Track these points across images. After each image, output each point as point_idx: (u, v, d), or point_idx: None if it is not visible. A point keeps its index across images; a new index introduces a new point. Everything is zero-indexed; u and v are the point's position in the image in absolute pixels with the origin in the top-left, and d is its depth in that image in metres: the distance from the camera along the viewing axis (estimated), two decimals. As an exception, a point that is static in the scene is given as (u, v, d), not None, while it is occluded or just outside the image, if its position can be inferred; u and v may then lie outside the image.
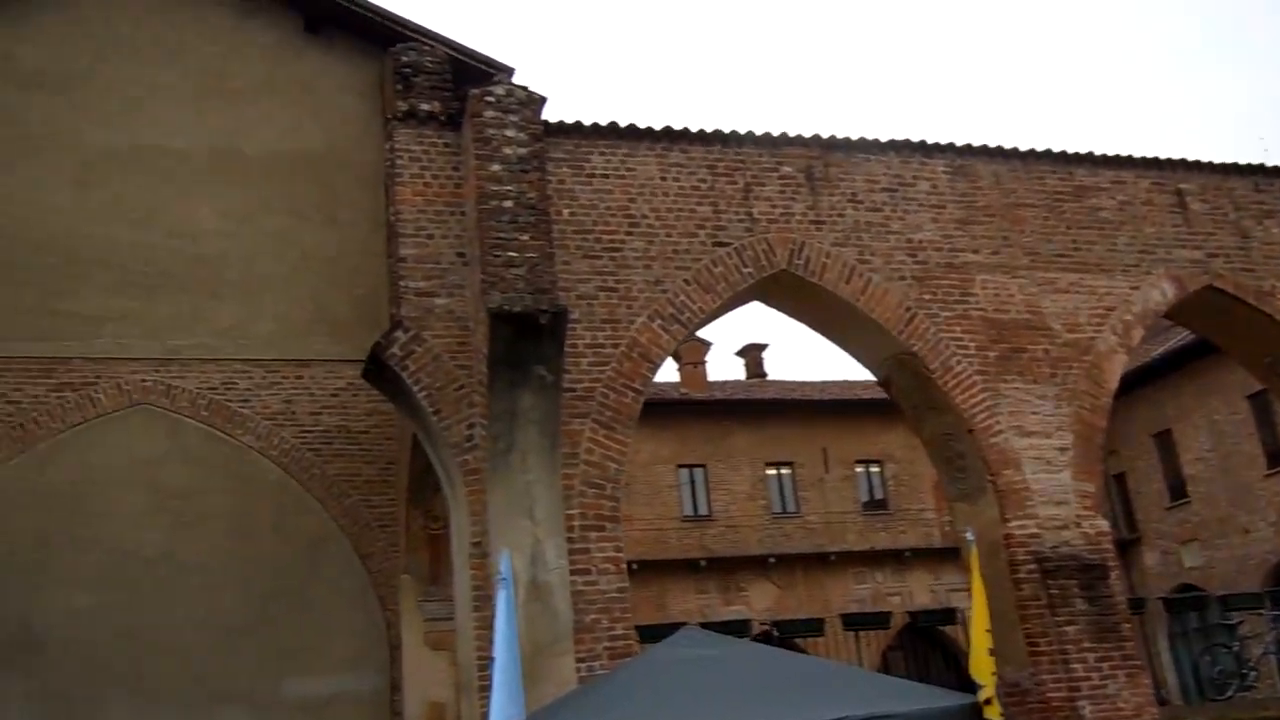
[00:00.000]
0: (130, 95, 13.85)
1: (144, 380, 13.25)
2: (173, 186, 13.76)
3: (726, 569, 26.48)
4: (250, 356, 13.57)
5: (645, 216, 9.69)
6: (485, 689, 8.96)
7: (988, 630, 7.14)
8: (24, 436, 12.76)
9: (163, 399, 13.27)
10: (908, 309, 10.48)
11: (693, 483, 27.54)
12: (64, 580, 12.45)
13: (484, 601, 9.20)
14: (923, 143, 11.20)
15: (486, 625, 9.08)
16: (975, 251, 10.87)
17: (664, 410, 24.66)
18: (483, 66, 13.43)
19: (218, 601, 12.79)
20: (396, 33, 13.68)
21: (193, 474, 13.13)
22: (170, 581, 12.70)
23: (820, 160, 10.61)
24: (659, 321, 9.58)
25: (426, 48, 13.00)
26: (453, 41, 13.64)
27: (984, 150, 11.45)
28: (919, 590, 27.09)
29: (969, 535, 8.29)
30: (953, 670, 24.94)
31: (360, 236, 14.21)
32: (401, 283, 9.43)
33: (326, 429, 13.66)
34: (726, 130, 10.07)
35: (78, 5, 13.98)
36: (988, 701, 6.74)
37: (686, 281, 9.73)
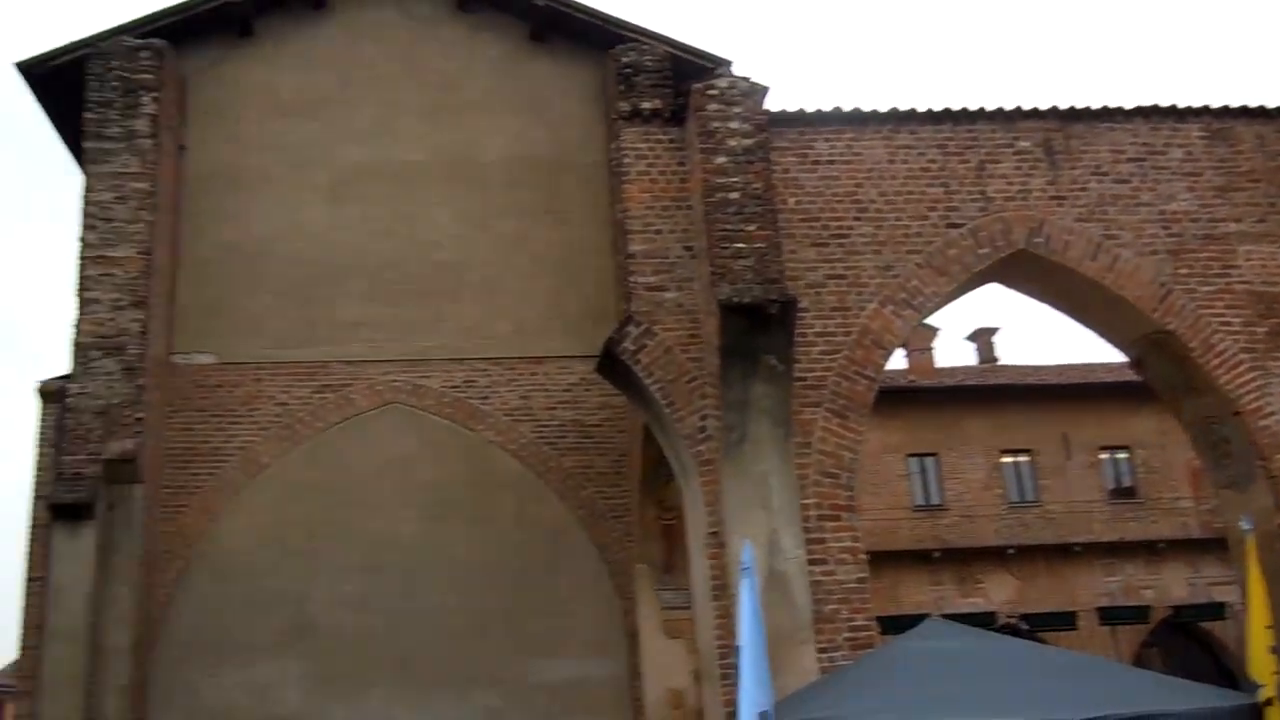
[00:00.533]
0: (374, 114, 14.78)
1: (394, 380, 14.08)
2: (414, 197, 14.58)
3: (961, 560, 25.67)
4: (489, 355, 14.19)
5: (873, 201, 9.52)
6: (726, 677, 9.08)
7: (1268, 627, 6.62)
8: (292, 435, 13.82)
9: (411, 398, 14.07)
10: (1162, 285, 9.85)
11: (923, 472, 26.84)
12: (332, 568, 13.41)
13: (721, 591, 9.31)
14: (1174, 107, 10.48)
15: (725, 614, 9.19)
16: (1237, 220, 10.10)
17: (892, 398, 24.09)
18: (701, 61, 13.52)
19: (467, 589, 13.46)
20: (616, 35, 14.00)
21: (440, 468, 13.86)
22: (424, 569, 13.46)
23: (1060, 133, 10.11)
24: (890, 307, 9.40)
25: (646, 47, 13.28)
26: (670, 39, 13.81)
27: (1244, 111, 10.61)
28: (1175, 583, 25.39)
29: (1244, 524, 7.71)
30: (1217, 668, 23.27)
31: (587, 236, 14.63)
32: (632, 278, 9.63)
33: (561, 423, 14.13)
34: (957, 108, 9.75)
35: (328, 35, 15.03)
36: (1268, 702, 6.28)
37: (918, 265, 9.50)
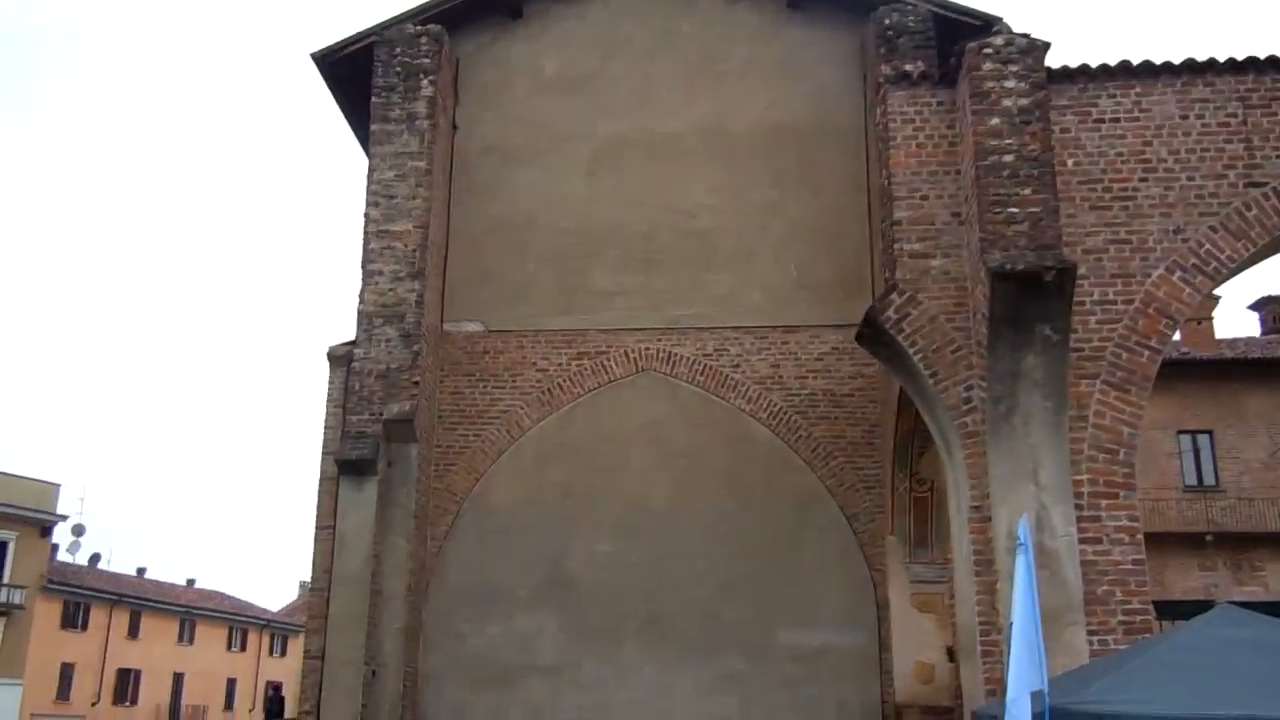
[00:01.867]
0: (632, 87, 15.12)
1: (648, 348, 14.42)
2: (668, 167, 14.84)
3: (1237, 545, 23.89)
4: (741, 324, 14.31)
5: (1163, 160, 8.92)
6: (988, 654, 8.84)
7: None
8: (551, 400, 14.41)
9: (664, 365, 14.37)
10: None
11: (1196, 450, 25.02)
12: (588, 527, 13.94)
13: (985, 567, 9.05)
14: None
15: (988, 590, 8.93)
16: None
17: (1163, 370, 22.51)
18: (966, 19, 13.03)
19: (717, 553, 13.69)
20: (875, -2, 13.69)
21: (692, 434, 14.12)
22: (676, 533, 13.78)
23: (1381, 81, 9.13)
24: (1179, 273, 8.81)
25: (908, 8, 12.94)
26: (932, -1, 13.39)
27: None
28: None
29: None
30: None
31: (841, 204, 14.47)
32: (896, 245, 9.45)
33: (812, 392, 14.08)
34: (1262, 56, 8.97)
35: (589, 14, 15.49)
36: None
37: (1212, 229, 8.84)
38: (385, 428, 13.45)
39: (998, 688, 8.30)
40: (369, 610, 13.02)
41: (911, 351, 9.32)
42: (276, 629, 64.35)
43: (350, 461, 13.31)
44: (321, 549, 13.56)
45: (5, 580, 44.90)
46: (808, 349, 14.19)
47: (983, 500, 9.04)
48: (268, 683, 32.15)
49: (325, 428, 13.99)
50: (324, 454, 13.88)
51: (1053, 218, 8.55)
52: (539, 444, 14.27)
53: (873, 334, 9.57)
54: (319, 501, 13.77)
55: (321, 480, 13.81)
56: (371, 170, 14.27)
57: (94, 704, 49.74)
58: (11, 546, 45.40)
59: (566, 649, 13.59)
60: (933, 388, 9.30)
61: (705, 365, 14.28)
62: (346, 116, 15.91)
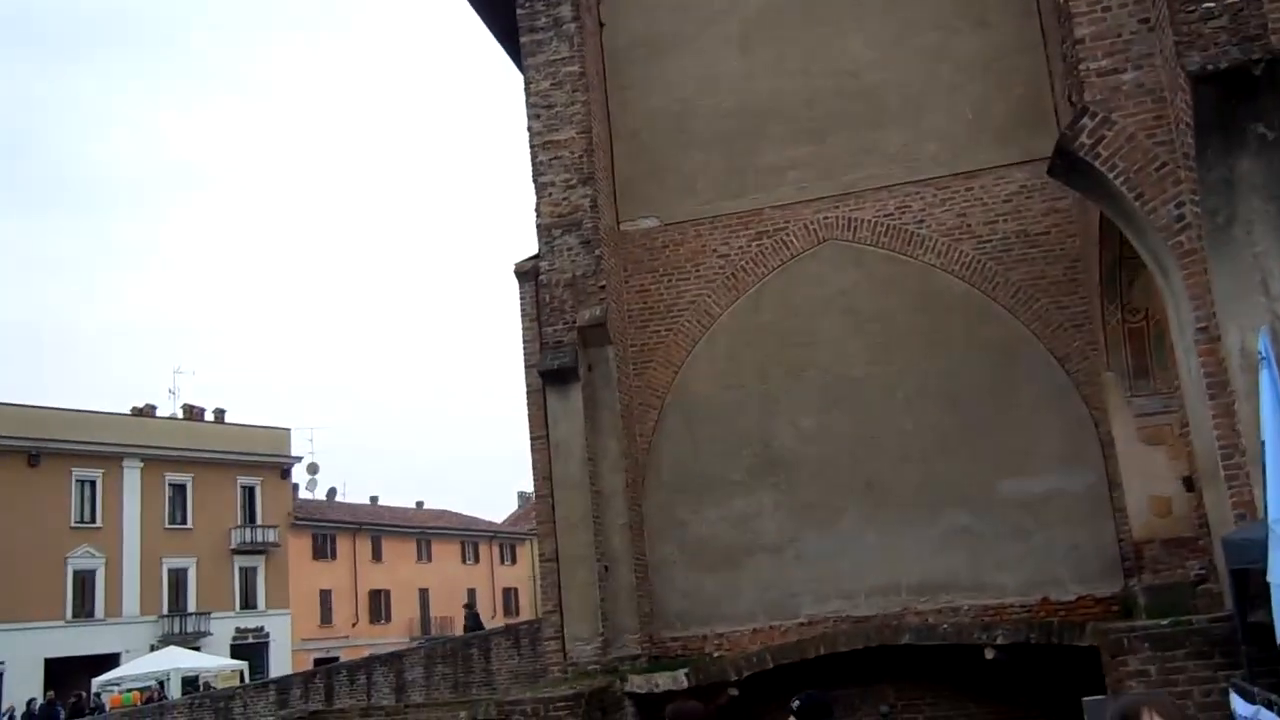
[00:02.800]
0: (777, -54, 14.56)
1: (826, 218, 14.16)
2: (824, 28, 14.33)
3: None
4: (920, 178, 13.83)
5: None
6: (1233, 478, 8.46)
7: None
8: (737, 284, 14.40)
9: (845, 232, 14.09)
10: None
11: None
12: (790, 404, 13.99)
13: (1219, 388, 8.60)
14: None
15: (1225, 412, 8.52)
16: None
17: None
18: None
19: (924, 413, 13.50)
20: None
21: (883, 298, 13.85)
22: (878, 398, 13.66)
23: None
24: None
25: None
26: None
27: None
28: None
29: None
30: None
31: (1010, 35, 13.68)
32: (1081, 66, 8.88)
33: (1004, 236, 13.54)
34: None
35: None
36: None
37: None
38: (580, 334, 13.78)
39: (1248, 511, 7.97)
40: (593, 510, 13.55)
41: (1112, 176, 8.82)
42: (504, 539, 67.91)
43: (553, 371, 13.74)
44: (539, 457, 14.13)
45: (259, 521, 48.93)
46: (994, 192, 13.62)
47: (1209, 320, 8.55)
48: (464, 605, 34.41)
49: (524, 341, 14.45)
50: (526, 367, 14.36)
51: (1255, 6, 7.83)
52: (731, 328, 14.32)
53: (1066, 165, 9.10)
54: (529, 413, 14.29)
55: (528, 392, 14.31)
56: (527, 83, 14.38)
57: (354, 624, 54.02)
58: (259, 490, 49.34)
59: (786, 525, 13.78)
60: (1140, 210, 8.80)
61: (888, 225, 13.92)
62: (497, 36, 16.02)
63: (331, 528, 54.43)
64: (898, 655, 12.84)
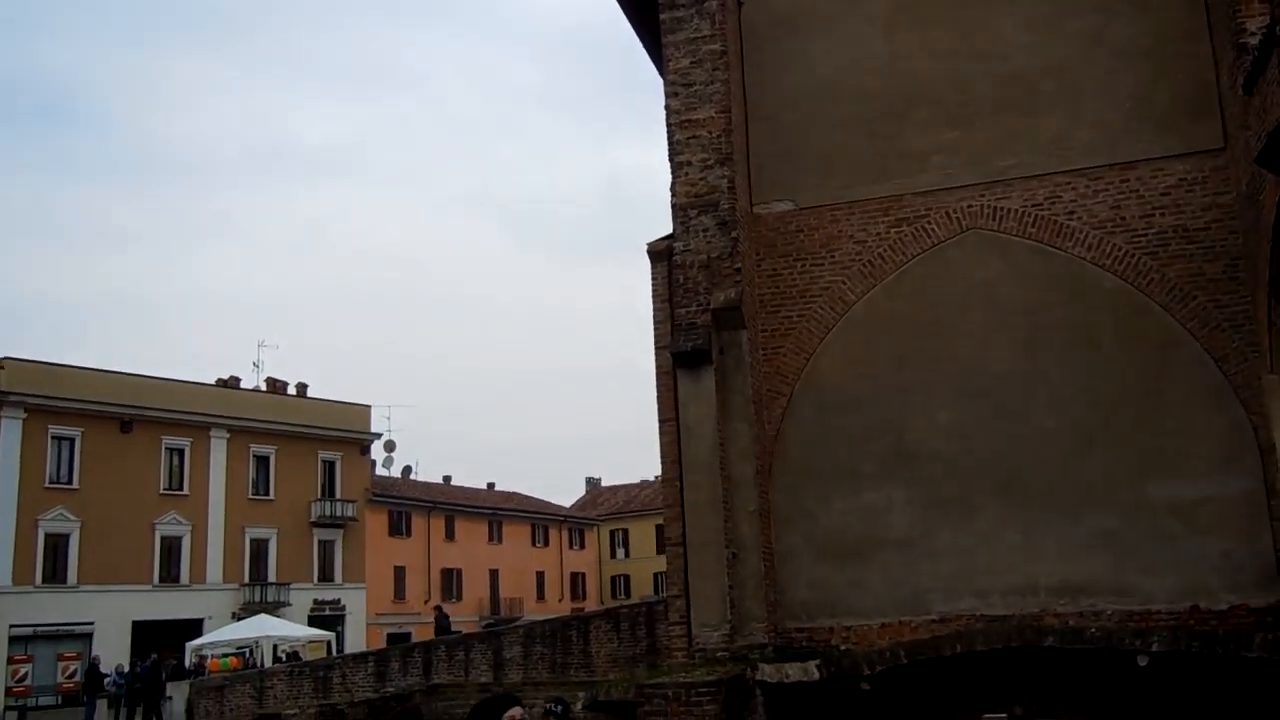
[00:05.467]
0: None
1: (970, 206, 13.76)
2: (975, 9, 13.93)
3: None
4: (1072, 167, 13.38)
5: None
6: None
7: None
8: (873, 271, 14.06)
9: (990, 221, 13.68)
10: None
11: None
12: (925, 397, 13.63)
13: None
14: None
15: None
16: None
17: None
18: None
19: (1069, 410, 13.07)
20: None
21: (1027, 291, 13.43)
22: (1021, 393, 13.25)
23: None
24: None
25: None
26: None
27: None
28: None
29: None
30: None
31: (1173, 20, 13.18)
32: (1295, 48, 8.41)
33: (1161, 231, 13.04)
34: None
35: None
36: None
37: None
38: (714, 317, 13.55)
39: None
40: (722, 495, 13.32)
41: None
42: (573, 524, 68.16)
43: (685, 353, 13.52)
44: (667, 440, 13.94)
45: (338, 496, 49.56)
46: (1151, 185, 13.12)
47: None
48: (434, 607, 34.86)
49: (654, 322, 14.26)
50: (656, 348, 14.18)
51: None
52: (866, 317, 14.00)
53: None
54: (658, 395, 14.12)
55: (658, 374, 14.13)
56: (666, 60, 14.15)
57: (425, 601, 54.56)
58: (339, 465, 49.96)
59: (918, 520, 13.45)
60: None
61: (1036, 216, 13.48)
62: (634, 13, 15.80)
63: (407, 505, 55.02)
64: (1036, 658, 12.47)
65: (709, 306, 13.58)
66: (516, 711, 4.70)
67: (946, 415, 13.56)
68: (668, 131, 14.04)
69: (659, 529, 69.28)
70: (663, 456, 14.03)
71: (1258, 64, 10.66)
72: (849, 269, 14.15)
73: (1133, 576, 12.55)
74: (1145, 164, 13.10)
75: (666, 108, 14.06)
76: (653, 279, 14.33)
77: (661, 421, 14.05)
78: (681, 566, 13.56)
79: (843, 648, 13.36)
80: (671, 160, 14.00)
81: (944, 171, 13.81)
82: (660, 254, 14.20)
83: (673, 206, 13.97)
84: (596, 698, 13.56)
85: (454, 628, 29.63)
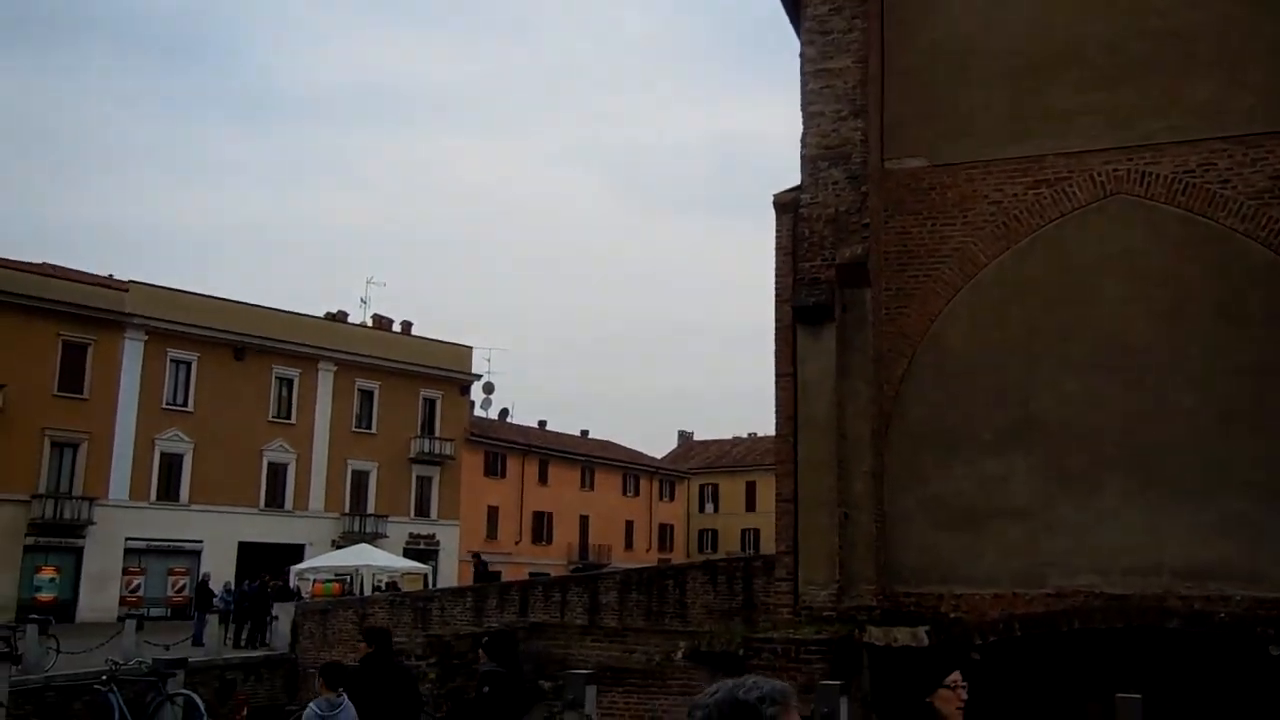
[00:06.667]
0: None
1: (1116, 169, 13.18)
2: (1132, -37, 13.24)
3: None
4: (1229, 133, 12.71)
5: None
6: None
7: None
8: (1008, 233, 13.60)
9: (1137, 187, 13.10)
10: None
11: None
12: (1055, 365, 13.19)
13: None
14: None
15: None
16: None
17: None
18: None
19: (1210, 388, 12.55)
20: None
21: (1174, 261, 12.88)
22: (1159, 367, 12.76)
23: None
24: None
25: None
26: None
27: None
28: None
29: None
30: None
31: (1352, -22, 12.33)
32: None
33: (1322, 204, 12.34)
34: None
35: None
36: None
37: None
38: (839, 272, 13.28)
39: None
40: (837, 454, 13.13)
41: None
42: (664, 475, 68.45)
43: (807, 308, 13.30)
44: (783, 396, 13.76)
45: (437, 434, 50.49)
46: (1315, 154, 12.40)
47: None
48: (472, 554, 35.07)
49: (776, 275, 14.03)
50: (777, 301, 13.95)
51: None
52: (997, 280, 13.57)
53: None
54: (776, 349, 13.92)
55: (777, 328, 13.92)
56: (804, 5, 13.79)
57: (516, 542, 55.50)
58: (439, 404, 50.85)
59: (1039, 491, 13.09)
60: None
61: (1187, 183, 12.86)
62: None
63: (503, 447, 55.82)
64: (1156, 641, 12.08)
65: (834, 262, 13.32)
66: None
67: (1076, 385, 13.12)
68: (801, 80, 13.72)
69: (749, 485, 69.38)
70: (778, 412, 13.86)
71: None
72: (981, 230, 13.71)
73: (1265, 563, 12.06)
74: (1310, 133, 12.38)
75: (802, 55, 13.73)
76: (777, 231, 14.07)
77: (778, 376, 13.87)
78: (791, 523, 13.43)
79: (952, 615, 13.13)
80: (804, 110, 13.69)
81: (1090, 133, 13.25)
82: (786, 206, 13.93)
83: (802, 157, 13.68)
84: (699, 648, 13.58)
85: (547, 571, 30.08)
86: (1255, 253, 12.52)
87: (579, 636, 14.48)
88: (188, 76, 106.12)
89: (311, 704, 8.41)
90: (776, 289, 14.07)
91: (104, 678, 13.80)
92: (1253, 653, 11.39)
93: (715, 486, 71.53)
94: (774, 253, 14.17)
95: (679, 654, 13.63)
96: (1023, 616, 12.57)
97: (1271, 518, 12.08)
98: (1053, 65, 13.49)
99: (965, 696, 4.74)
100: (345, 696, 8.32)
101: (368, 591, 29.10)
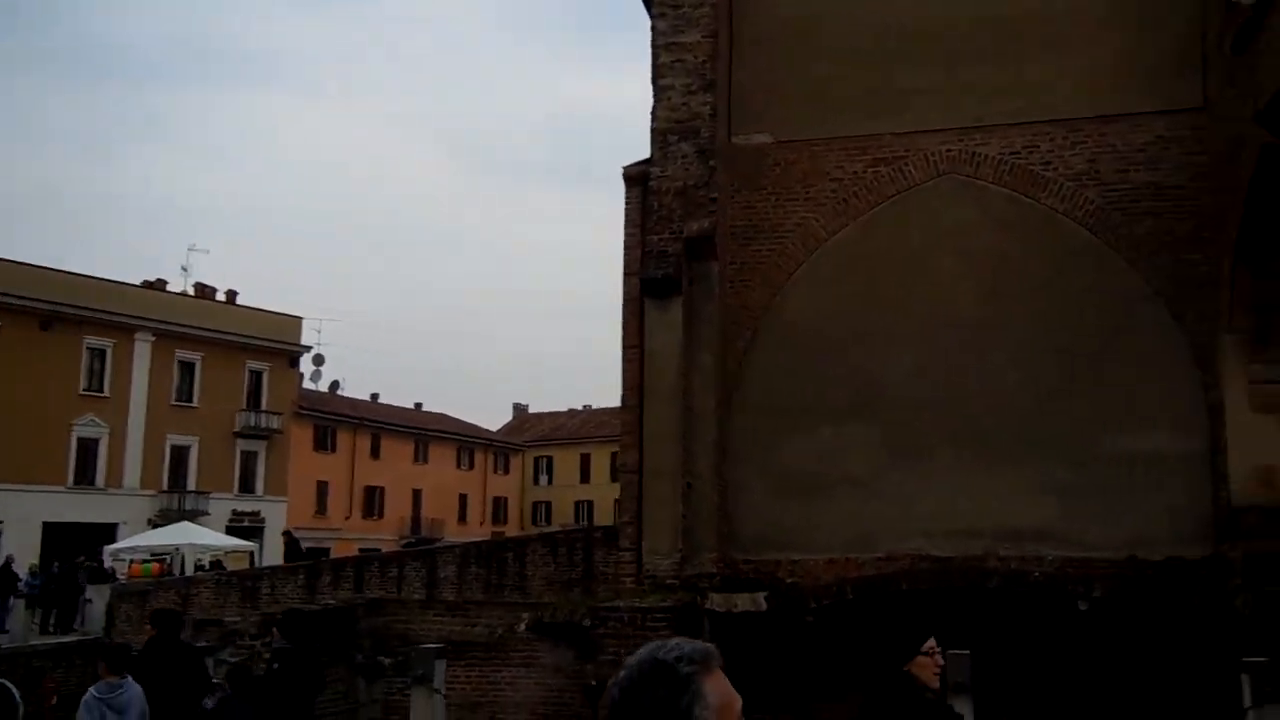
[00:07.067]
0: None
1: (949, 150, 13.70)
2: (971, -49, 13.72)
3: None
4: (1053, 117, 13.38)
5: None
6: None
7: None
8: (847, 210, 13.97)
9: (967, 167, 13.65)
10: None
11: None
12: (890, 339, 13.66)
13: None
14: None
15: None
16: None
17: None
18: None
19: (1030, 360, 13.22)
20: None
21: (1000, 238, 13.49)
22: (986, 341, 13.37)
23: None
24: None
25: None
26: None
27: None
28: None
29: None
30: None
31: (1166, -26, 13.13)
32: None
33: (1134, 187, 13.15)
34: None
35: None
36: None
37: None
38: (686, 245, 13.37)
39: None
40: (681, 425, 13.26)
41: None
42: (498, 449, 67.97)
43: (655, 281, 13.37)
44: (630, 368, 13.82)
45: (264, 407, 48.64)
46: (1129, 139, 13.19)
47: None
48: (283, 533, 34.85)
49: (625, 249, 14.04)
50: (626, 274, 13.98)
51: None
52: (837, 256, 13.94)
53: None
54: (624, 321, 13.97)
55: (625, 300, 13.96)
56: (654, -21, 13.77)
57: (346, 518, 54.15)
58: (266, 376, 48.96)
59: (875, 458, 13.55)
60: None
61: (1013, 164, 13.49)
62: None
63: (334, 420, 54.29)
64: (978, 599, 12.70)
65: (682, 235, 13.41)
66: None
67: (910, 358, 13.62)
68: (652, 53, 13.72)
69: (584, 458, 69.60)
70: (624, 384, 13.93)
71: (1251, 24, 10.70)
72: (823, 206, 14.04)
73: (1077, 525, 12.84)
74: (1125, 119, 13.16)
75: (653, 29, 13.73)
76: (626, 204, 14.09)
77: (625, 349, 13.92)
78: (635, 494, 13.54)
79: (789, 581, 13.48)
80: (654, 83, 13.70)
81: (926, 114, 13.72)
82: (635, 179, 13.95)
83: (652, 130, 13.71)
84: (541, 619, 13.53)
85: (378, 547, 29.34)
86: (1074, 233, 13.23)
87: (420, 611, 14.22)
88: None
89: (91, 689, 8.11)
90: (625, 262, 14.09)
91: (-102, 669, 12.71)
92: (1064, 609, 12.12)
93: (550, 459, 71.51)
94: (624, 225, 14.17)
95: (522, 626, 13.55)
96: (855, 580, 13.03)
97: (1081, 483, 12.86)
98: (893, 47, 13.87)
99: (942, 662, 4.85)
100: (129, 679, 8.10)
101: (189, 571, 27.81)
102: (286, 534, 34.44)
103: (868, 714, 4.90)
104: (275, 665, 10.22)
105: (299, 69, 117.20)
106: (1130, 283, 13.02)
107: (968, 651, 9.29)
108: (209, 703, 9.10)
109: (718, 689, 1.95)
